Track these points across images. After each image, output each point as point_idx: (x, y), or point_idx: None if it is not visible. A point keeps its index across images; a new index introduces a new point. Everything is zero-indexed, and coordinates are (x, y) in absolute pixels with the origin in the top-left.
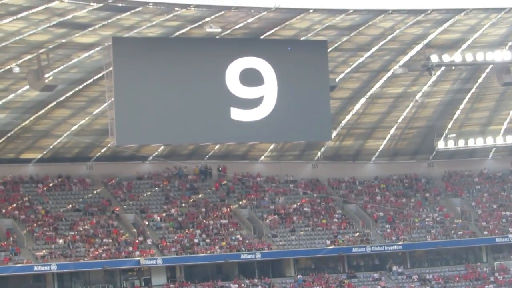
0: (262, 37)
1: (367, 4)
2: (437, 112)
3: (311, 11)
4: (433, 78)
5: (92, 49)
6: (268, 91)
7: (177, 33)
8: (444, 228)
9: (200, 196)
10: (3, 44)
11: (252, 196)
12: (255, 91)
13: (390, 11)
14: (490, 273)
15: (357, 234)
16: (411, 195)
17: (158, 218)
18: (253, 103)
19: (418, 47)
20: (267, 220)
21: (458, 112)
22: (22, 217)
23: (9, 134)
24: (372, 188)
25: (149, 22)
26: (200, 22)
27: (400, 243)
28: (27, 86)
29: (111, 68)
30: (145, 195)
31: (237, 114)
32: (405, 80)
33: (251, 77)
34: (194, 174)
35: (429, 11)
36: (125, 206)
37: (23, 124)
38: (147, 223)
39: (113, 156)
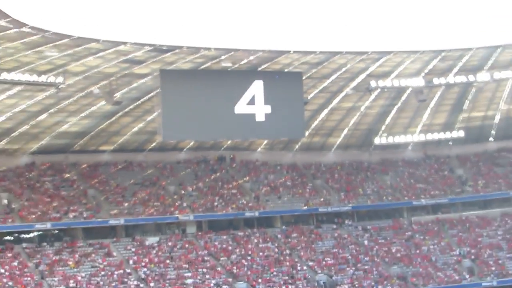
0: (259, 69)
1: (329, 47)
2: (375, 119)
3: (291, 52)
4: (372, 96)
5: (146, 77)
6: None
7: (202, 67)
8: (379, 195)
9: (218, 174)
10: (87, 74)
11: (253, 174)
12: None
13: (344, 52)
14: (408, 224)
15: (322, 199)
16: (358, 173)
17: (190, 189)
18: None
19: (362, 76)
20: (263, 190)
21: (389, 119)
22: (101, 188)
23: (91, 134)
24: (332, 169)
25: (184, 60)
26: (217, 60)
27: (350, 205)
28: (103, 102)
29: (159, 89)
30: (181, 173)
31: (242, 119)
32: (353, 98)
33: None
34: (214, 160)
35: (369, 52)
36: (168, 181)
37: (100, 127)
38: (183, 192)
39: (161, 148)
